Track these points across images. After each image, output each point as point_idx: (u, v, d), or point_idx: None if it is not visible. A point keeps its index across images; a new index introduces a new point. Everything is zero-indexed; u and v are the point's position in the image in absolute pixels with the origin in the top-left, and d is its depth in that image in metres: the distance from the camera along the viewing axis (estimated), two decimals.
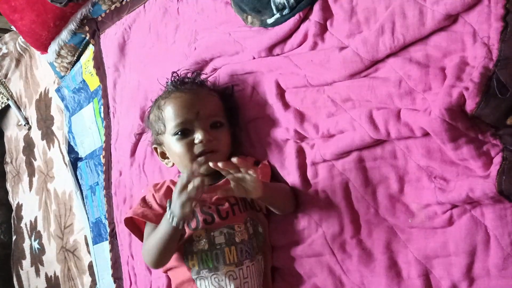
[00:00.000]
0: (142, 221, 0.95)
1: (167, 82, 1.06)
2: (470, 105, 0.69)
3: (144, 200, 0.98)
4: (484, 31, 0.71)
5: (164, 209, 0.89)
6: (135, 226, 0.99)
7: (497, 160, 0.69)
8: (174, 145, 0.94)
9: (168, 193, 0.96)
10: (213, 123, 0.95)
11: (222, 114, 0.99)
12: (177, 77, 1.05)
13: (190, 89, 0.99)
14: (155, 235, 0.87)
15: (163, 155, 1.03)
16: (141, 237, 0.97)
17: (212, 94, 1.01)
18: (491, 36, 0.70)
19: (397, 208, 0.81)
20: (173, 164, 1.01)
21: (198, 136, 0.92)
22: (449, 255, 0.75)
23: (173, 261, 0.93)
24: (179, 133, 0.93)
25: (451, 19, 0.75)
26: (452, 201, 0.74)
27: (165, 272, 1.00)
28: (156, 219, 0.91)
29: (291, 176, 0.95)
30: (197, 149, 0.92)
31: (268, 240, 0.97)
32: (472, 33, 0.73)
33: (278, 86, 0.98)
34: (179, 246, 0.91)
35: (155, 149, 1.04)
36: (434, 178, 0.77)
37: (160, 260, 0.90)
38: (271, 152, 0.99)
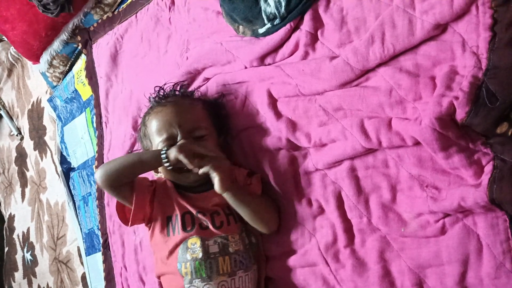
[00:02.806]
0: (129, 208, 0.95)
1: (149, 98, 1.06)
2: (460, 114, 0.70)
3: None
4: (473, 41, 0.72)
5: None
6: (123, 214, 0.98)
7: (488, 168, 0.69)
8: None
9: (163, 185, 0.98)
10: (197, 136, 0.94)
11: (206, 123, 0.97)
12: (159, 91, 1.05)
13: (172, 101, 0.99)
14: (133, 154, 0.89)
15: (156, 170, 1.02)
16: (124, 221, 0.97)
17: (194, 104, 1.00)
18: (480, 46, 0.70)
19: (390, 217, 0.81)
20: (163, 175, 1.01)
21: None
22: (442, 264, 0.75)
23: (166, 266, 0.93)
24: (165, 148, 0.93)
25: (440, 29, 0.75)
26: (444, 210, 0.74)
27: (158, 277, 1.00)
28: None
29: (284, 185, 0.95)
30: None
31: (262, 250, 0.97)
32: (461, 43, 0.73)
33: (270, 95, 0.97)
34: (173, 249, 0.91)
35: None
36: (426, 187, 0.77)
37: (115, 171, 0.92)
38: (264, 161, 0.99)
